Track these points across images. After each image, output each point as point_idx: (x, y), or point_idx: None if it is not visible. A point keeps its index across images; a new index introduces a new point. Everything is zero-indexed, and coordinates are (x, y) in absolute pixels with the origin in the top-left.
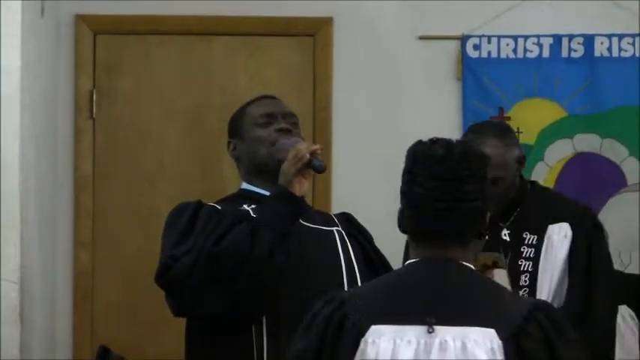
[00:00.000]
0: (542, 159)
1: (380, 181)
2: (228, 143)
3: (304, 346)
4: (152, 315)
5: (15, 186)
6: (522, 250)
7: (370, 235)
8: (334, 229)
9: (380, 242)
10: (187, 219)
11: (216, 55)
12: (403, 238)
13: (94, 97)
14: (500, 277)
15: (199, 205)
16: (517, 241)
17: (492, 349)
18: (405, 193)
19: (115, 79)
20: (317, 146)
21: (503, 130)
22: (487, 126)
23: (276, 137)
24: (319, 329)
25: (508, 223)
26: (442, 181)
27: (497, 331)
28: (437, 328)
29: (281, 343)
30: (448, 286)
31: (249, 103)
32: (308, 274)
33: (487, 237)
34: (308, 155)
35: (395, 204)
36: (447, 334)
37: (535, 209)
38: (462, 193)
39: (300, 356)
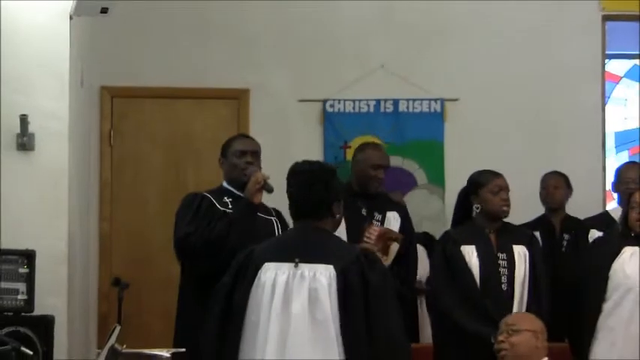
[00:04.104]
0: None
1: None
2: (220, 159)
3: (227, 280)
4: (147, 260)
5: (65, 186)
6: (373, 222)
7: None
8: (273, 218)
9: None
10: (195, 208)
11: (182, 110)
12: None
13: (112, 133)
14: (394, 248)
15: (202, 197)
16: (371, 216)
17: (330, 277)
18: (287, 193)
19: (124, 123)
20: (267, 176)
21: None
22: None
23: (245, 167)
24: (235, 268)
25: (366, 205)
26: (300, 185)
27: (334, 267)
28: (300, 264)
29: None
30: (307, 239)
31: (234, 138)
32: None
33: (340, 215)
34: (262, 182)
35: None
36: (305, 267)
37: (381, 199)
38: (311, 191)
39: (223, 285)
